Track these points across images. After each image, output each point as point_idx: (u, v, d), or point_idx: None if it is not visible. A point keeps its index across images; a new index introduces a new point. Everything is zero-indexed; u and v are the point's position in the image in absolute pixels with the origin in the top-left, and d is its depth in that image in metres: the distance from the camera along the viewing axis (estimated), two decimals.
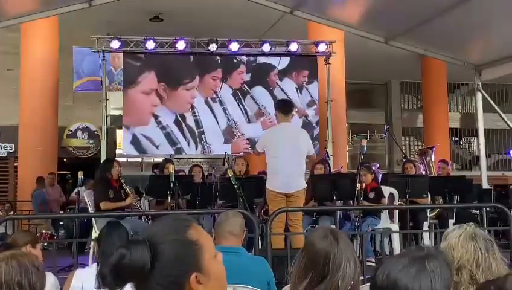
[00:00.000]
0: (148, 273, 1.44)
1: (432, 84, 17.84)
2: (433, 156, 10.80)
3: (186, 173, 9.31)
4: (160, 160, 10.55)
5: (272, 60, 10.97)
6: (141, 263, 1.43)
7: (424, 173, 9.97)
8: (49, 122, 13.12)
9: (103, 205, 7.32)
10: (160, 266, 1.45)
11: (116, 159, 8.38)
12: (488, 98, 10.27)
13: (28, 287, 2.23)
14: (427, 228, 8.04)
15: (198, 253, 1.50)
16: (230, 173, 7.41)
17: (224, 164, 9.95)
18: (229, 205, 7.33)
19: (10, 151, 16.12)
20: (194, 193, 7.70)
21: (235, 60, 10.88)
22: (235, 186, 7.10)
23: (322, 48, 10.78)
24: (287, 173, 6.74)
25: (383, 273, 1.62)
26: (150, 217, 7.54)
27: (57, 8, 9.31)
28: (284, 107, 7.17)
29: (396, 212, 8.03)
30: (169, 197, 7.39)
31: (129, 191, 7.66)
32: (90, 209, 7.66)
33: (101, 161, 10.38)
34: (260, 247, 5.58)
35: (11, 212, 11.86)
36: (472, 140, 22.88)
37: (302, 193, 6.87)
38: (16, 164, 14.69)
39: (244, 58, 10.86)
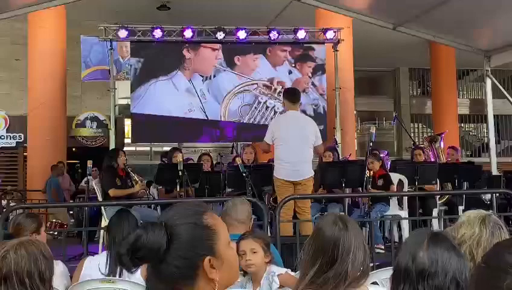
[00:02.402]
0: (164, 254, 1.47)
1: (440, 70, 17.72)
2: (442, 143, 10.76)
3: (195, 162, 9.33)
4: (168, 148, 10.57)
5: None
6: (157, 244, 1.46)
7: (433, 159, 9.94)
8: (57, 111, 13.15)
9: (112, 192, 7.35)
10: (175, 248, 1.48)
11: (121, 149, 8.40)
12: (498, 83, 10.21)
13: (37, 275, 2.23)
14: (437, 215, 8.02)
15: (213, 238, 1.53)
16: (238, 161, 7.42)
17: (232, 152, 9.96)
18: (238, 193, 7.34)
19: (19, 141, 16.17)
20: (203, 181, 7.72)
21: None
22: (244, 175, 7.10)
23: (330, 35, 10.73)
24: (294, 161, 6.74)
25: (414, 257, 1.69)
26: (159, 205, 7.57)
27: None
28: (292, 95, 7.14)
29: (405, 199, 8.02)
30: (178, 186, 7.40)
31: (137, 179, 7.69)
32: (100, 199, 7.70)
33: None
34: (269, 234, 5.59)
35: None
36: (481, 126, 22.76)
37: (309, 180, 6.87)
38: (25, 153, 14.76)
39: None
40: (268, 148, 7.17)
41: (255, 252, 3.40)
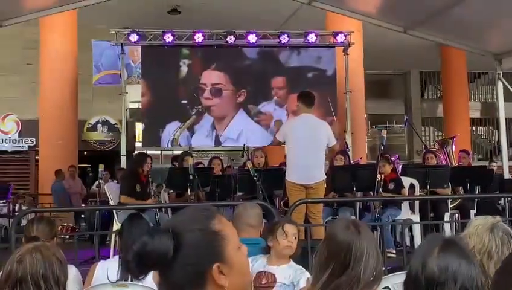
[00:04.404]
0: (171, 261, 1.45)
1: (451, 73, 17.66)
2: (453, 146, 10.71)
3: (206, 165, 9.34)
4: (179, 152, 10.60)
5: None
6: (163, 251, 1.45)
7: (444, 163, 9.89)
8: (69, 115, 13.21)
9: (123, 199, 7.37)
10: (182, 255, 1.46)
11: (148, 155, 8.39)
12: (509, 86, 10.14)
13: (52, 279, 2.25)
14: (448, 219, 7.98)
15: (221, 243, 1.51)
16: (249, 164, 7.41)
17: (243, 156, 9.96)
18: (249, 197, 7.33)
19: (31, 145, 16.28)
20: (214, 185, 7.72)
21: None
22: (255, 178, 7.09)
23: (340, 38, 10.72)
24: (306, 164, 6.72)
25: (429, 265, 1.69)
26: (170, 209, 7.58)
27: (76, 2, 9.33)
28: (307, 98, 7.12)
29: (417, 203, 7.98)
30: (189, 190, 7.41)
31: (151, 191, 7.68)
32: (111, 202, 7.71)
33: (121, 154, 10.49)
34: None
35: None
36: (493, 130, 22.63)
37: (321, 184, 6.84)
38: (36, 157, 14.84)
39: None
40: (279, 144, 7.20)
41: (295, 238, 3.65)
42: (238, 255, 1.54)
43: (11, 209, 10.74)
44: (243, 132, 10.77)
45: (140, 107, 11.30)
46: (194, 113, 10.76)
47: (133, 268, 1.45)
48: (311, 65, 11.10)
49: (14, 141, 16.51)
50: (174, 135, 10.66)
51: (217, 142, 10.93)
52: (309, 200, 6.60)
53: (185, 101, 10.86)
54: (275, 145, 7.28)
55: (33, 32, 13.59)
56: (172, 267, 1.46)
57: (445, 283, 1.73)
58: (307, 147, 6.70)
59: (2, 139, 16.49)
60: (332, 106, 10.76)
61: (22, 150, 16.59)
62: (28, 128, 15.95)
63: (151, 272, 3.10)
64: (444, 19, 8.91)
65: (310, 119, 7.00)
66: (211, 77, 10.90)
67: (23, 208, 11.04)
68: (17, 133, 16.53)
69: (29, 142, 16.32)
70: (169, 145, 10.88)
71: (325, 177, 6.92)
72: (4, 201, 10.93)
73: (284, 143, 7.00)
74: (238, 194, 7.86)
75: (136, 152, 10.95)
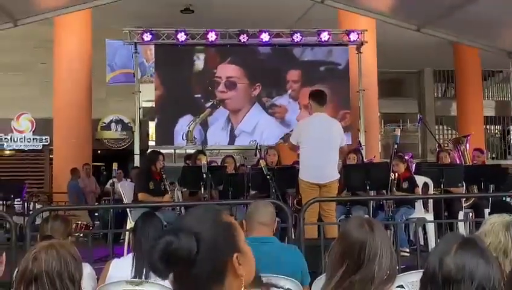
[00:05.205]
0: (194, 258, 1.48)
1: (465, 72, 17.55)
2: (467, 145, 10.64)
3: (219, 164, 9.35)
4: (192, 151, 10.63)
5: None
6: (189, 249, 1.47)
7: (458, 162, 9.84)
8: (83, 114, 13.29)
9: (141, 196, 7.39)
10: (204, 250, 1.48)
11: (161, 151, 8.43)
12: None
13: (67, 277, 2.26)
14: (462, 218, 7.94)
15: (235, 234, 1.56)
16: (262, 163, 7.41)
17: (256, 155, 9.96)
18: (262, 195, 7.33)
19: (45, 143, 16.39)
20: (227, 183, 7.73)
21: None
22: (268, 177, 7.10)
23: (353, 37, 10.70)
24: (320, 163, 6.70)
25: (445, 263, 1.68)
26: (183, 208, 7.60)
27: (90, 1, 9.39)
28: (319, 97, 7.10)
29: (430, 201, 7.94)
30: (202, 188, 7.43)
31: (167, 188, 7.72)
32: (125, 201, 7.75)
33: (135, 153, 10.54)
34: (293, 237, 5.58)
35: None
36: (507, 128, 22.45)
37: (334, 183, 6.83)
38: (51, 156, 14.94)
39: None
40: (294, 147, 7.17)
41: None
42: (246, 246, 1.59)
43: (25, 207, 10.83)
44: (258, 125, 10.82)
45: (154, 106, 11.34)
46: (208, 106, 10.84)
47: (160, 268, 1.47)
48: (324, 59, 11.15)
49: (29, 140, 16.63)
50: (189, 128, 10.72)
51: (232, 136, 11.00)
52: (322, 198, 6.59)
53: (199, 95, 10.93)
54: (290, 146, 7.23)
55: (46, 31, 13.67)
56: (195, 264, 1.48)
57: (461, 281, 1.72)
58: (320, 146, 6.68)
59: (17, 138, 16.62)
60: (345, 100, 10.78)
61: (36, 148, 16.71)
62: (43, 127, 16.06)
63: None
64: (458, 17, 8.87)
65: (323, 118, 6.97)
66: (226, 70, 11.00)
67: (38, 206, 11.11)
68: (31, 132, 16.65)
69: (44, 141, 16.44)
70: (184, 139, 10.92)
71: (338, 176, 6.90)
72: (19, 199, 11.01)
73: (297, 145, 6.97)
74: (251, 192, 7.86)
75: (148, 150, 10.97)
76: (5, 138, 16.54)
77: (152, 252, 1.47)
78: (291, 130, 7.56)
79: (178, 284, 1.53)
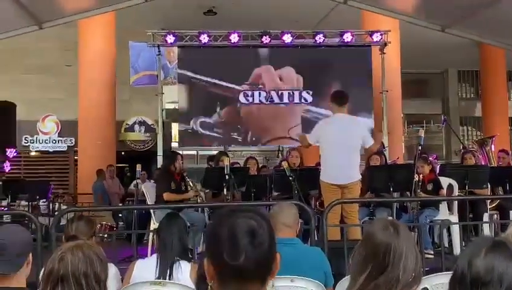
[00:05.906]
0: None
1: (490, 72, 17.38)
2: (492, 146, 10.53)
3: (241, 165, 9.37)
4: (215, 152, 10.66)
5: None
6: (266, 247, 1.51)
7: (483, 163, 9.74)
8: (107, 116, 13.41)
9: (166, 196, 7.44)
10: (268, 245, 1.52)
11: (179, 153, 8.51)
12: None
13: (93, 277, 2.29)
14: (487, 219, 7.85)
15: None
16: (285, 164, 7.40)
17: (278, 156, 9.97)
18: (284, 197, 7.33)
19: (70, 145, 16.58)
20: (249, 185, 7.75)
21: None
22: (290, 178, 7.08)
23: (376, 37, 10.64)
24: (340, 164, 6.66)
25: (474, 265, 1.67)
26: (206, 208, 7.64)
27: (114, 4, 9.46)
28: (339, 98, 7.07)
29: (455, 203, 7.87)
30: (224, 189, 7.44)
31: (191, 184, 7.77)
32: (148, 202, 7.81)
33: (158, 154, 10.60)
34: (316, 239, 5.57)
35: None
36: None
37: (356, 184, 6.78)
38: (75, 157, 15.10)
39: None
40: (306, 145, 7.10)
41: None
42: None
43: (51, 208, 10.96)
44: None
45: (177, 107, 11.39)
46: (230, 108, 10.87)
47: (252, 272, 1.48)
48: (347, 60, 11.06)
49: (54, 141, 16.85)
50: (212, 129, 10.76)
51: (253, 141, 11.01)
52: (345, 200, 6.55)
53: (223, 97, 10.94)
54: (303, 142, 7.17)
55: (71, 33, 13.82)
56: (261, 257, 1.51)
57: (490, 283, 1.71)
58: (339, 147, 6.63)
59: (43, 140, 16.84)
60: (369, 102, 10.73)
61: (61, 150, 16.91)
62: (68, 128, 16.25)
63: (189, 269, 3.14)
64: (482, 17, 8.77)
65: (343, 119, 6.91)
66: (256, 74, 10.98)
67: (63, 207, 11.23)
68: (56, 134, 16.86)
69: (69, 142, 16.64)
70: (206, 140, 10.97)
71: (360, 177, 6.86)
72: (44, 200, 11.15)
73: (313, 145, 6.93)
74: (274, 194, 7.86)
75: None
76: (31, 140, 16.77)
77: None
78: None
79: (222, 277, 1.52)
